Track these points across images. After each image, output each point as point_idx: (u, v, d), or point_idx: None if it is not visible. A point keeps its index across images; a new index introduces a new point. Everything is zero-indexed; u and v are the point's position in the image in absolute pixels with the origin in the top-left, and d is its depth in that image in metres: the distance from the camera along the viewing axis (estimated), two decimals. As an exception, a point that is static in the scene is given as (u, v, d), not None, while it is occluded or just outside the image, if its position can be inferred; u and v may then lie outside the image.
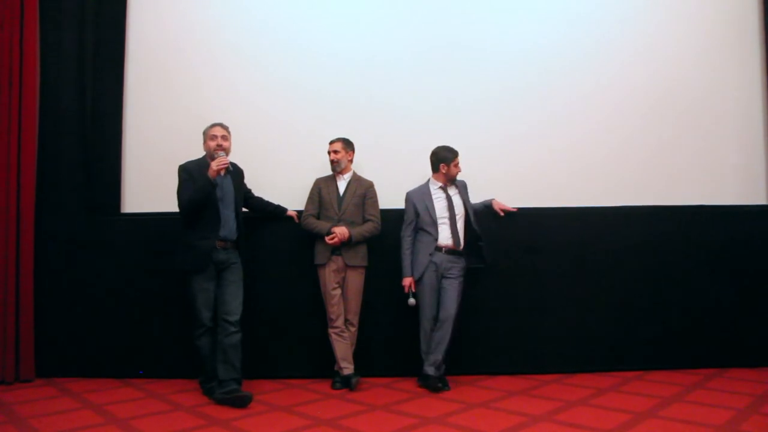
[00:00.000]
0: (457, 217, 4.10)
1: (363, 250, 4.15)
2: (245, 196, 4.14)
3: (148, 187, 4.48)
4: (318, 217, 4.17)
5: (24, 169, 4.22)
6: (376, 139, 4.51)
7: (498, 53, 4.65)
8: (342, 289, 4.11)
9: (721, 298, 4.42)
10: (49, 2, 4.43)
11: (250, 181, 4.18)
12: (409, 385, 4.09)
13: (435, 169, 4.16)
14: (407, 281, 4.06)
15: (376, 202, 4.21)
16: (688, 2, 4.72)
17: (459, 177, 4.19)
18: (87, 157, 4.46)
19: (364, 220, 4.15)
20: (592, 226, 4.45)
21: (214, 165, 3.68)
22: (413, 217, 4.12)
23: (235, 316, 3.78)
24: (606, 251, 4.42)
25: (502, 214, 4.32)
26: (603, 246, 4.42)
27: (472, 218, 4.12)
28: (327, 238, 4.01)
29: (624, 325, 4.39)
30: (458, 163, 4.12)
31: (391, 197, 4.27)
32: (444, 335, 3.97)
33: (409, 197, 4.17)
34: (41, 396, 3.88)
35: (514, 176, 4.57)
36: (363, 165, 4.36)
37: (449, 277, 4.05)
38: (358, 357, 4.11)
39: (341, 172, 4.22)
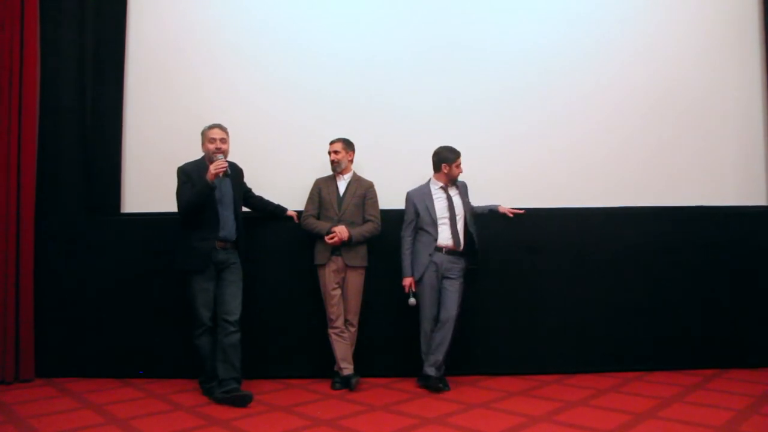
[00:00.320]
0: (458, 218, 4.10)
1: (363, 250, 4.14)
2: (245, 195, 4.14)
3: (148, 187, 4.48)
4: (318, 218, 4.17)
5: (24, 169, 4.22)
6: (376, 139, 4.51)
7: (498, 53, 4.65)
8: (342, 290, 4.11)
9: (721, 298, 4.42)
10: (49, 2, 4.43)
11: (250, 181, 4.18)
12: (408, 385, 4.09)
13: (437, 168, 4.16)
14: (407, 281, 4.05)
15: (376, 202, 4.21)
16: (688, 2, 4.72)
17: (459, 178, 4.19)
18: (87, 157, 4.46)
19: (364, 221, 4.15)
20: (592, 226, 4.44)
21: (212, 169, 3.67)
22: (413, 216, 4.11)
23: (234, 316, 3.78)
24: (606, 251, 4.42)
25: (511, 215, 4.31)
26: (603, 246, 4.42)
27: (468, 220, 4.11)
28: (327, 238, 4.01)
29: (624, 326, 4.38)
30: (460, 164, 4.11)
31: (391, 197, 4.27)
32: (445, 336, 3.96)
33: (409, 197, 4.17)
34: (41, 396, 3.88)
35: (514, 176, 4.57)
36: (363, 165, 4.36)
37: (450, 278, 4.05)
38: (357, 357, 4.11)
39: (341, 173, 4.22)
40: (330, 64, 4.61)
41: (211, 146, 3.83)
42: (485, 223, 4.26)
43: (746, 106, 4.71)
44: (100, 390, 3.99)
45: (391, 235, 4.19)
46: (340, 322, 4.07)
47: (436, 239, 4.05)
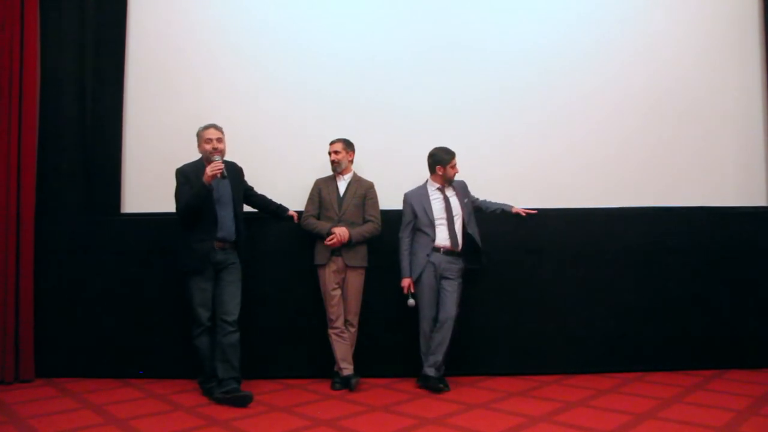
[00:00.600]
0: (455, 219, 4.09)
1: (363, 250, 4.14)
2: (247, 193, 4.14)
3: (148, 187, 4.48)
4: (318, 218, 4.16)
5: (24, 169, 4.22)
6: (376, 139, 4.51)
7: (498, 53, 4.65)
8: (342, 290, 4.11)
9: (721, 299, 4.42)
10: (49, 2, 4.42)
11: (250, 181, 4.18)
12: (408, 385, 4.09)
13: (432, 170, 4.16)
14: (406, 282, 4.05)
15: (376, 202, 4.21)
16: (688, 2, 4.72)
17: (458, 177, 4.18)
18: (87, 157, 4.45)
19: (365, 221, 4.15)
20: (592, 226, 4.44)
21: (209, 170, 3.66)
22: (411, 218, 4.12)
23: (233, 316, 3.78)
24: (606, 251, 4.41)
25: (524, 214, 4.31)
26: (603, 246, 4.42)
27: (467, 221, 4.11)
28: (326, 240, 4.01)
29: (624, 326, 4.38)
30: (455, 165, 4.11)
31: (391, 198, 4.26)
32: (444, 336, 3.96)
33: (406, 198, 4.17)
34: (41, 396, 3.88)
35: (514, 176, 4.57)
36: (363, 165, 4.36)
37: (448, 278, 4.05)
38: (357, 357, 4.11)
39: (342, 173, 4.22)
40: (330, 64, 4.61)
41: (208, 146, 3.82)
42: (485, 223, 4.25)
43: (746, 106, 4.70)
44: (100, 390, 3.99)
45: (391, 235, 4.18)
46: (340, 323, 4.07)
47: (433, 240, 4.05)
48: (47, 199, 4.37)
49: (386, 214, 4.23)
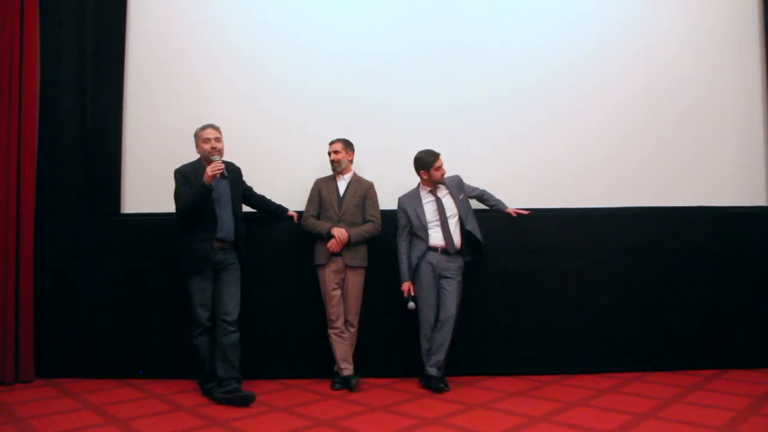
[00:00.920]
0: (450, 219, 4.09)
1: (363, 250, 4.14)
2: (246, 193, 4.14)
3: (148, 187, 4.48)
4: (318, 218, 4.16)
5: (24, 169, 4.22)
6: (376, 139, 4.51)
7: (498, 53, 4.65)
8: (342, 290, 4.11)
9: (721, 299, 4.41)
10: (49, 2, 4.43)
11: (250, 181, 4.18)
12: (408, 385, 4.09)
13: (419, 175, 4.15)
14: (405, 286, 4.05)
15: (376, 202, 4.21)
16: (688, 2, 4.72)
17: (453, 173, 4.17)
18: (87, 158, 4.46)
19: (365, 221, 4.15)
20: (592, 226, 4.44)
21: (209, 170, 3.66)
22: (406, 222, 4.12)
23: (232, 316, 3.78)
24: (606, 252, 4.41)
25: (514, 215, 4.31)
26: (603, 246, 4.42)
27: (464, 217, 4.10)
28: (327, 245, 4.01)
29: (624, 326, 4.38)
30: (440, 166, 4.07)
31: (391, 198, 4.26)
32: (445, 336, 3.96)
33: (400, 203, 4.18)
34: (41, 396, 3.88)
35: (514, 176, 4.57)
36: (363, 165, 4.36)
37: (448, 277, 4.04)
38: (357, 357, 4.11)
39: (341, 173, 4.22)
40: (330, 64, 4.61)
41: (206, 146, 3.82)
42: (485, 223, 4.23)
43: (746, 106, 4.70)
44: (100, 390, 3.99)
45: (391, 235, 4.19)
46: (340, 323, 4.07)
47: (427, 242, 4.05)
48: (47, 199, 4.37)
49: (386, 214, 4.23)
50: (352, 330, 4.14)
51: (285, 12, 4.65)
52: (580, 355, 4.37)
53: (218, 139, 3.86)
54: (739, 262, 4.43)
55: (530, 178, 4.58)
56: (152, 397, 3.86)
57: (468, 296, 4.13)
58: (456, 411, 3.53)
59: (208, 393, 3.81)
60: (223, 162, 3.77)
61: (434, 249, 4.05)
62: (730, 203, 4.59)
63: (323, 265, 4.09)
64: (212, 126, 3.89)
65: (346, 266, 4.08)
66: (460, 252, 4.11)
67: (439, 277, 4.05)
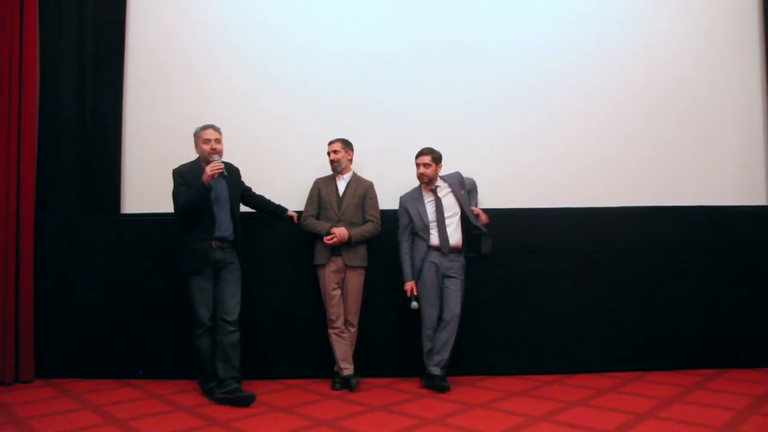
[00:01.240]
0: (449, 218, 4.08)
1: (363, 250, 4.14)
2: (245, 194, 4.14)
3: (148, 187, 4.47)
4: (318, 218, 4.16)
5: (24, 169, 4.22)
6: (376, 139, 4.51)
7: (498, 53, 4.65)
8: (342, 290, 4.10)
9: (721, 298, 4.42)
10: (49, 2, 4.42)
11: (249, 181, 4.18)
12: (409, 385, 4.09)
13: None
14: (408, 286, 4.05)
15: (376, 202, 4.21)
16: (688, 2, 4.72)
17: (451, 170, 4.17)
18: (87, 157, 4.45)
19: (364, 221, 4.15)
20: (592, 226, 4.44)
21: (209, 170, 3.66)
22: (408, 221, 4.12)
23: (233, 316, 3.78)
24: (606, 251, 4.42)
25: (475, 212, 4.15)
26: (603, 246, 4.42)
27: (467, 212, 4.10)
28: (326, 238, 4.01)
29: (624, 326, 4.38)
30: (418, 164, 4.09)
31: (391, 198, 4.27)
32: (449, 335, 3.96)
33: (401, 202, 4.18)
34: (41, 397, 3.88)
35: (514, 176, 4.57)
36: (363, 165, 4.36)
37: (451, 276, 4.04)
38: (358, 357, 4.11)
39: (341, 173, 4.22)
40: (330, 64, 4.61)
41: (206, 147, 3.82)
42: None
43: (746, 106, 4.71)
44: (100, 390, 3.99)
45: (391, 235, 4.19)
46: (340, 323, 4.07)
47: (428, 242, 4.06)
48: (47, 199, 4.37)
49: (386, 214, 4.23)
50: (352, 330, 4.14)
51: (285, 12, 4.65)
52: (580, 355, 4.37)
53: (218, 140, 3.86)
54: (739, 261, 4.44)
55: (530, 178, 4.58)
56: (152, 397, 3.86)
57: (468, 296, 4.13)
58: (456, 411, 3.53)
59: (208, 393, 3.81)
60: (222, 162, 3.77)
61: (436, 248, 4.05)
62: (730, 203, 4.59)
63: (323, 265, 4.09)
64: (212, 126, 3.89)
65: (346, 266, 4.08)
66: (461, 251, 4.11)
67: (442, 276, 4.05)
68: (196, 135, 3.89)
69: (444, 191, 4.15)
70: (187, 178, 3.79)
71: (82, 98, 4.46)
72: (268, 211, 4.27)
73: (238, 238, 3.93)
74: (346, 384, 3.99)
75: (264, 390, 3.95)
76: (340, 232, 4.00)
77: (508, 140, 4.61)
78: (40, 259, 4.28)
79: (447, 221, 4.07)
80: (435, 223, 4.07)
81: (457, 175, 4.21)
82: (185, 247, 3.80)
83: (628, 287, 4.41)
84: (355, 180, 4.23)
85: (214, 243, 3.81)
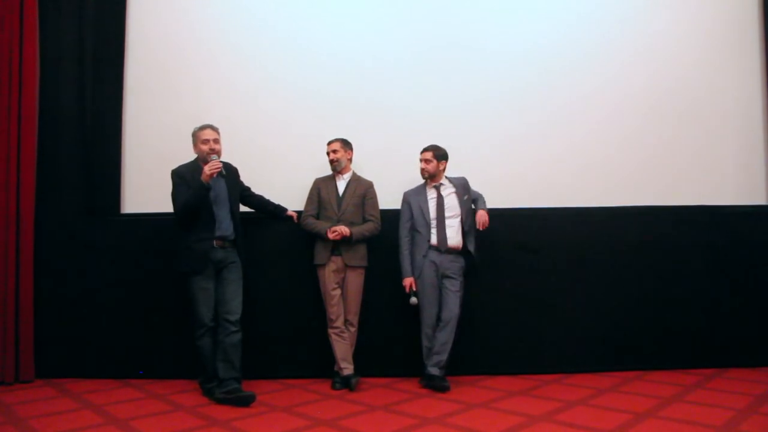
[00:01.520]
0: (449, 218, 4.08)
1: (362, 250, 4.14)
2: (244, 194, 4.14)
3: (148, 187, 4.47)
4: (317, 218, 4.16)
5: (24, 169, 4.22)
6: (376, 139, 4.51)
7: (498, 53, 4.65)
8: (342, 290, 4.10)
9: (721, 298, 4.42)
10: (49, 2, 4.42)
11: (249, 181, 4.18)
12: (408, 385, 4.09)
13: None
14: (407, 281, 4.05)
15: (375, 202, 4.21)
16: (688, 2, 4.72)
17: (458, 174, 4.18)
18: (87, 157, 4.45)
19: (364, 221, 4.15)
20: (592, 226, 4.44)
21: (207, 170, 3.66)
22: (409, 215, 4.12)
23: (235, 316, 3.78)
24: (606, 251, 4.42)
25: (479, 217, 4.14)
26: (603, 246, 4.42)
27: (465, 218, 4.10)
28: (329, 231, 4.00)
29: (624, 325, 4.39)
30: (420, 159, 4.12)
31: (391, 197, 4.27)
32: (449, 336, 3.96)
33: (405, 197, 4.18)
34: (41, 396, 3.88)
35: (514, 176, 4.57)
36: (363, 165, 4.36)
37: (450, 277, 4.04)
38: (358, 357, 4.11)
39: (341, 172, 4.22)
40: (330, 64, 4.61)
41: (205, 147, 3.81)
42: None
43: (746, 106, 4.71)
44: (100, 390, 3.99)
45: (391, 235, 4.18)
46: (340, 322, 4.07)
47: (429, 240, 4.05)
48: (47, 200, 4.36)
49: (386, 213, 4.23)
50: (352, 330, 4.14)
51: (285, 12, 4.65)
52: (580, 354, 4.37)
53: (217, 141, 3.85)
54: (739, 261, 4.44)
55: (530, 178, 4.58)
56: (152, 397, 3.85)
57: (468, 296, 4.13)
58: (456, 410, 3.53)
59: (208, 393, 3.81)
60: (221, 162, 3.77)
61: (436, 248, 4.05)
62: (730, 202, 4.60)
63: (323, 265, 4.09)
64: (211, 127, 3.88)
65: (346, 266, 4.08)
66: (461, 252, 4.11)
67: (442, 276, 4.05)
68: (195, 135, 3.89)
69: (448, 190, 4.15)
70: (186, 179, 3.79)
71: (82, 98, 4.46)
72: (268, 210, 4.27)
73: (239, 238, 3.93)
74: (346, 384, 3.99)
75: (264, 390, 3.95)
76: (341, 229, 4.00)
77: (508, 140, 4.62)
78: (40, 259, 4.27)
79: (448, 221, 4.08)
80: (435, 221, 4.07)
81: (463, 179, 4.21)
82: (185, 247, 3.80)
83: (628, 287, 4.42)
84: (355, 180, 4.23)
85: (215, 242, 3.80)
